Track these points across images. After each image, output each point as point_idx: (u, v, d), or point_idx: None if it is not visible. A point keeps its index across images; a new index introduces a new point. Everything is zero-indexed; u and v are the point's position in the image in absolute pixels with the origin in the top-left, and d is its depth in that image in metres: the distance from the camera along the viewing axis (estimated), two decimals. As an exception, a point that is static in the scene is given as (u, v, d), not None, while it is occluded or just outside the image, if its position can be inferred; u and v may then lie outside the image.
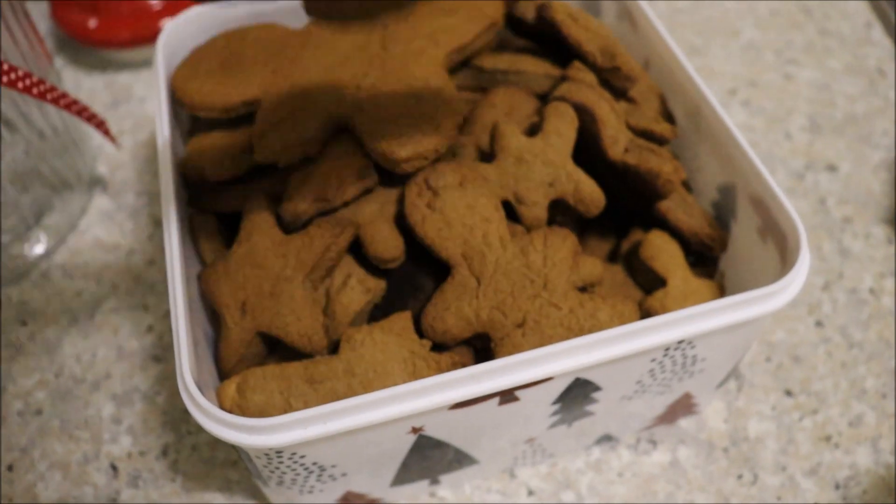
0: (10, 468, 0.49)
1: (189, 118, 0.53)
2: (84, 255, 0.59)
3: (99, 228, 0.61)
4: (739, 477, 0.48)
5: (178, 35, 0.51)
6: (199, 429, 0.50)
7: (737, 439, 0.49)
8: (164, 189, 0.43)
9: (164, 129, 0.45)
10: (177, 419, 0.50)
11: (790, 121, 0.66)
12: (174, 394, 0.51)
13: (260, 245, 0.42)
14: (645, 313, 0.44)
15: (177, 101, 0.48)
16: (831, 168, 0.63)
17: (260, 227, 0.43)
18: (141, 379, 0.52)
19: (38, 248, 0.59)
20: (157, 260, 0.58)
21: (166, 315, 0.55)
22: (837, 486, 0.47)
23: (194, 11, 0.52)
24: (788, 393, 0.51)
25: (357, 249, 0.43)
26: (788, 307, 0.55)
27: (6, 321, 0.55)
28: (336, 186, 0.42)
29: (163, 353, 0.53)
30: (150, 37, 0.68)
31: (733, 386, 0.51)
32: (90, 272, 0.58)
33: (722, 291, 0.46)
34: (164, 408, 0.51)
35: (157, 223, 0.61)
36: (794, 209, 0.40)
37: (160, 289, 0.57)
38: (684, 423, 0.50)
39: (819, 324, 0.54)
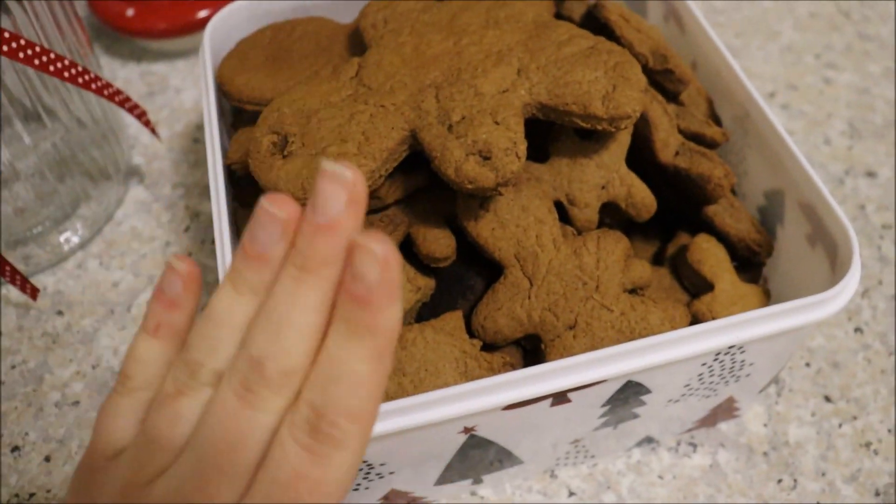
0: (47, 459, 0.49)
1: (231, 110, 0.53)
2: (120, 246, 0.59)
3: (135, 219, 0.61)
4: (779, 482, 0.48)
5: (224, 26, 0.51)
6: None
7: (777, 444, 0.49)
8: (214, 184, 0.43)
9: (212, 123, 0.45)
10: (215, 412, 0.50)
11: (829, 125, 0.66)
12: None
13: (310, 241, 0.42)
14: (693, 317, 0.44)
15: (223, 94, 0.48)
16: (871, 174, 0.62)
17: (309, 223, 0.43)
18: (178, 371, 0.52)
19: (75, 238, 0.59)
20: (193, 252, 0.58)
21: (202, 308, 0.55)
22: (877, 493, 0.47)
23: (241, 2, 0.51)
24: (828, 399, 0.51)
25: (407, 247, 0.43)
26: None
27: (42, 310, 0.55)
28: (388, 184, 0.42)
29: None
30: (187, 27, 0.67)
31: (773, 391, 0.51)
32: (126, 263, 0.58)
33: (768, 296, 0.46)
34: (203, 400, 0.51)
35: (193, 215, 0.60)
36: (846, 217, 0.40)
37: None
38: (724, 426, 0.50)
39: (858, 330, 0.54)
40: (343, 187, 0.25)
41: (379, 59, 0.42)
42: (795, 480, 0.48)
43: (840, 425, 0.50)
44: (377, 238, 0.24)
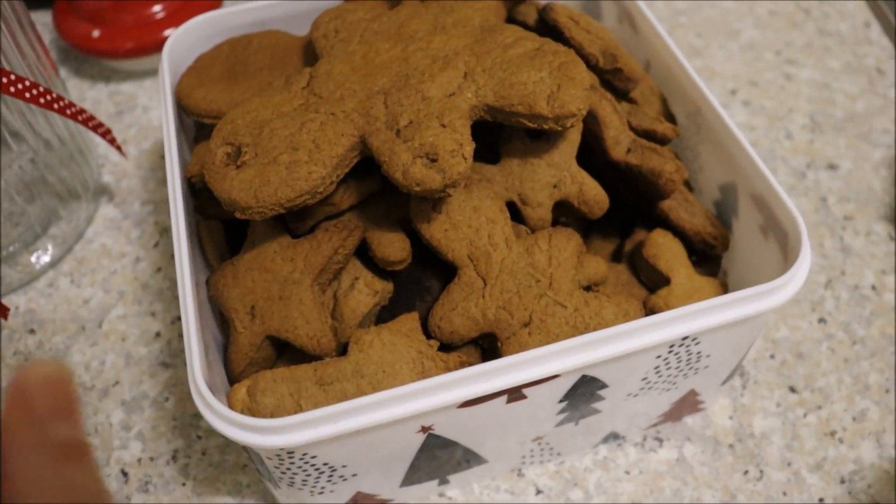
0: None
1: (195, 125, 0.53)
2: (91, 264, 0.59)
3: (105, 237, 0.61)
4: (745, 473, 0.48)
5: (182, 43, 0.52)
6: (209, 433, 0.50)
7: (742, 436, 0.50)
8: (172, 197, 0.43)
9: (170, 137, 0.46)
10: (186, 424, 0.51)
11: (791, 120, 0.67)
12: (183, 399, 0.52)
13: (267, 249, 0.43)
14: (649, 311, 0.44)
15: (183, 109, 0.49)
16: (832, 166, 0.63)
17: (267, 232, 0.43)
18: (150, 385, 0.52)
19: (45, 258, 0.59)
20: (163, 267, 0.59)
21: (174, 322, 0.55)
22: (843, 481, 0.48)
23: (198, 19, 0.52)
24: (793, 389, 0.51)
25: (364, 252, 0.43)
26: (791, 304, 0.55)
27: (14, 330, 0.56)
28: (341, 190, 0.42)
29: (171, 360, 0.54)
30: (154, 46, 0.68)
31: (738, 383, 0.52)
32: (97, 280, 0.58)
33: (725, 289, 0.46)
34: (174, 413, 0.51)
35: (162, 231, 0.61)
36: (794, 205, 0.41)
37: (167, 296, 0.57)
38: (690, 420, 0.50)
39: (822, 321, 0.55)
40: None
41: (329, 69, 0.43)
42: (761, 471, 0.48)
43: (805, 415, 0.50)
44: None
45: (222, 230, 0.48)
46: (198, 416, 0.51)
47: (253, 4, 0.53)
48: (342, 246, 0.41)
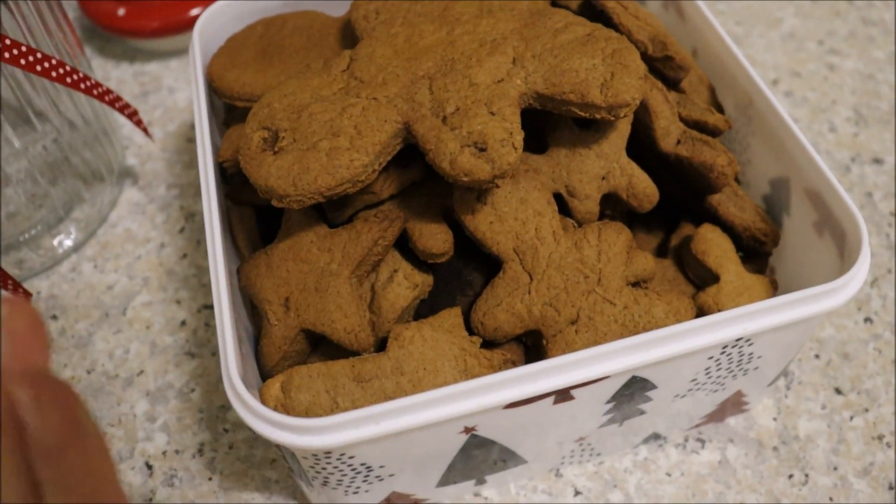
0: None
1: (224, 108, 0.52)
2: (115, 249, 0.58)
3: (130, 221, 0.60)
4: (790, 477, 0.46)
5: (214, 22, 0.50)
6: (236, 426, 0.49)
7: (787, 438, 0.48)
8: (205, 182, 0.42)
9: (202, 120, 0.44)
10: (213, 416, 0.49)
11: (834, 112, 0.65)
12: (209, 390, 0.50)
13: (303, 239, 0.41)
14: (698, 309, 0.43)
15: (214, 91, 0.47)
16: (878, 160, 0.61)
17: (303, 221, 0.42)
18: (175, 375, 0.51)
19: (68, 241, 0.58)
20: (189, 253, 0.57)
21: (200, 310, 0.54)
22: (891, 487, 0.46)
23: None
24: (838, 391, 0.50)
25: (402, 244, 0.42)
26: None
27: None
28: (382, 178, 0.41)
29: (197, 349, 0.52)
30: (180, 25, 0.66)
31: (782, 384, 0.50)
32: (121, 266, 0.57)
33: (775, 287, 0.45)
34: (200, 405, 0.50)
35: (188, 216, 0.59)
36: (853, 203, 0.39)
37: (193, 283, 0.56)
38: (733, 421, 0.48)
39: (868, 320, 0.53)
40: None
41: (370, 52, 0.41)
42: (807, 475, 0.47)
43: (851, 418, 0.49)
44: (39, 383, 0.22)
45: (254, 217, 0.47)
46: (224, 408, 0.49)
47: (286, -17, 0.52)
48: (382, 237, 0.40)
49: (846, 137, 0.63)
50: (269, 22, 0.49)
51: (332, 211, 0.41)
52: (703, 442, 0.48)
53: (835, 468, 0.47)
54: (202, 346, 0.52)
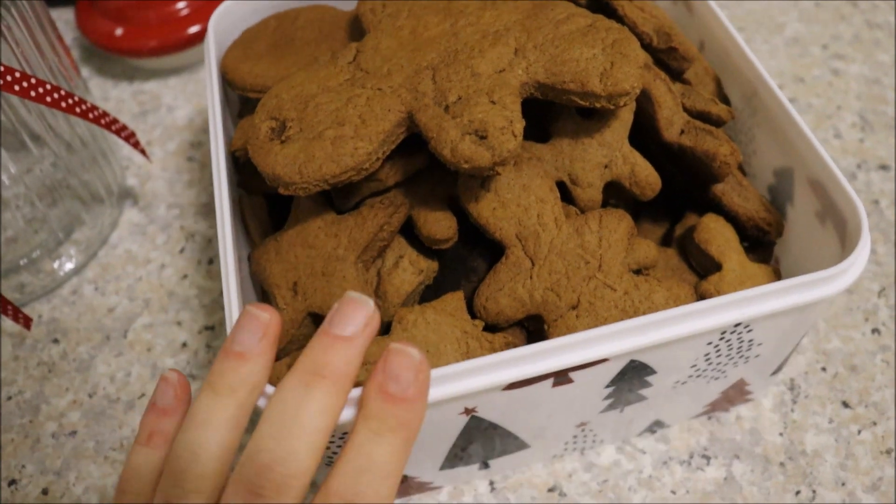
0: (44, 492, 0.48)
1: (239, 100, 0.53)
2: (115, 271, 0.58)
3: (130, 242, 0.60)
4: (797, 493, 0.46)
5: (228, 16, 0.51)
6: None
7: (793, 453, 0.47)
8: (216, 169, 0.43)
9: (215, 110, 0.45)
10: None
11: (840, 118, 0.64)
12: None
13: (311, 225, 0.42)
14: (700, 297, 0.43)
15: (228, 83, 0.48)
16: (884, 167, 0.61)
17: (311, 208, 0.43)
18: (177, 397, 0.52)
19: (69, 264, 0.58)
20: (189, 274, 0.58)
21: (201, 331, 0.55)
22: (899, 499, 0.46)
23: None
24: (846, 404, 0.49)
25: (408, 230, 0.43)
26: (843, 313, 0.53)
27: (38, 339, 0.55)
28: (388, 166, 0.42)
29: (198, 371, 0.53)
30: (178, 44, 0.67)
31: (788, 397, 0.50)
32: (122, 288, 0.57)
33: (778, 276, 0.45)
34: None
35: (188, 236, 0.60)
36: (854, 191, 0.39)
37: (194, 304, 0.56)
38: (738, 436, 0.48)
39: (876, 331, 0.52)
40: (364, 313, 0.30)
41: (376, 43, 0.42)
42: (814, 491, 0.46)
43: (859, 432, 0.48)
44: (412, 344, 0.29)
45: (265, 206, 0.48)
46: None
47: (299, -21, 0.53)
48: (387, 223, 0.41)
49: (852, 144, 0.62)
50: (282, 16, 0.50)
51: (340, 198, 0.42)
52: (708, 458, 0.48)
53: (843, 483, 0.46)
54: (203, 368, 0.53)
